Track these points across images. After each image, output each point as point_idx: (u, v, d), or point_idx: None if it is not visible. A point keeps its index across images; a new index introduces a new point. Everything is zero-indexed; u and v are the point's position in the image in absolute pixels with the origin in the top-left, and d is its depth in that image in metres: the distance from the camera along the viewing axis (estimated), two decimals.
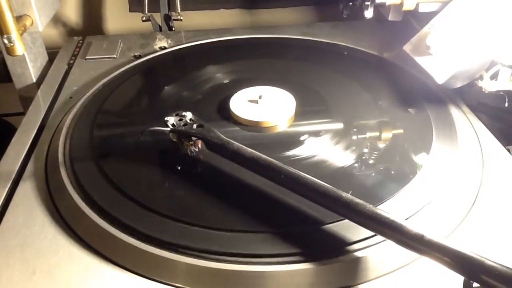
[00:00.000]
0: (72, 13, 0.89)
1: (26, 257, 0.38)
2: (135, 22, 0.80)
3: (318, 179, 0.37)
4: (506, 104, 0.54)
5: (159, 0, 0.77)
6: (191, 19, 0.85)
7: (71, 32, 0.90)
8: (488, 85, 0.53)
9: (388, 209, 0.36)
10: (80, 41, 0.75)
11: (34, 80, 0.68)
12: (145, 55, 0.68)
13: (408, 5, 0.57)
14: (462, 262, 0.30)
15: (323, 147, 0.48)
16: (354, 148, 0.48)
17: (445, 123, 0.51)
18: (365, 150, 0.48)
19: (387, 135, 0.51)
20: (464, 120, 0.53)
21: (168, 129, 0.46)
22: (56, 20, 0.88)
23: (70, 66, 0.68)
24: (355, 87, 0.58)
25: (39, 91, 0.63)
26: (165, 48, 0.71)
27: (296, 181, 0.37)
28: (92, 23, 0.91)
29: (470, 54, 0.50)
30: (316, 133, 0.50)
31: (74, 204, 0.41)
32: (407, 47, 0.55)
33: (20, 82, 0.68)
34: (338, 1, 0.63)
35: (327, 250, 0.36)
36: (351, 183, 0.44)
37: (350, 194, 0.35)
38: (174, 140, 0.46)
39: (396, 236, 0.33)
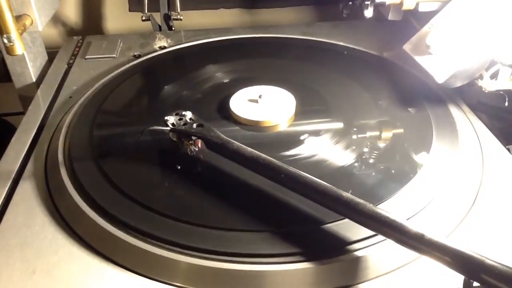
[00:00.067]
0: (72, 12, 0.89)
1: (26, 257, 0.38)
2: (134, 21, 0.80)
3: (318, 178, 0.37)
4: (506, 104, 0.54)
5: (158, 0, 0.77)
6: (191, 18, 0.85)
7: (70, 31, 0.90)
8: (488, 85, 0.53)
9: (388, 209, 0.36)
10: (80, 41, 0.75)
11: (34, 80, 0.68)
12: (145, 55, 0.68)
13: (408, 5, 0.57)
14: (462, 261, 0.30)
15: (323, 146, 0.48)
16: (354, 147, 0.48)
17: (445, 122, 0.51)
18: (365, 150, 0.48)
19: (387, 134, 0.51)
20: (464, 120, 0.53)
21: (168, 128, 0.46)
22: (56, 19, 0.88)
23: (69, 66, 0.68)
24: (355, 87, 0.58)
25: (38, 90, 0.63)
26: (165, 47, 0.71)
27: (296, 180, 0.37)
28: (91, 22, 0.91)
29: (470, 54, 0.50)
30: (316, 133, 0.50)
31: (74, 204, 0.41)
32: (407, 47, 0.55)
33: (20, 81, 0.68)
34: (338, 1, 0.63)
35: (327, 250, 0.36)
36: (351, 183, 0.44)
37: (350, 194, 0.35)
38: (174, 139, 0.46)
39: (396, 236, 0.33)
